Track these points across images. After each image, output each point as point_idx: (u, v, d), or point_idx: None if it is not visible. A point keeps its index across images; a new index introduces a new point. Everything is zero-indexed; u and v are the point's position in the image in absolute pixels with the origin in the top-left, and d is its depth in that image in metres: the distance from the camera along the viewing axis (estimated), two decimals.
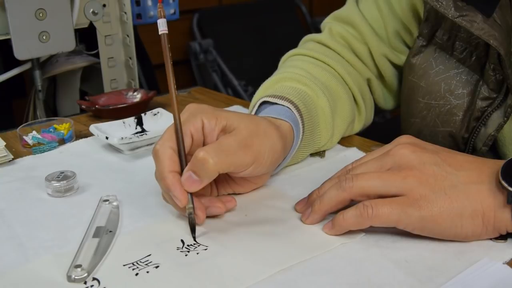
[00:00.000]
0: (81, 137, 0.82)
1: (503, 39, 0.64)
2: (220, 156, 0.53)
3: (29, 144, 0.79)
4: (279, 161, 0.61)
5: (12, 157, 0.74)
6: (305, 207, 0.59)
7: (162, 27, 0.56)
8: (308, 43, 0.85)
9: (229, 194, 0.62)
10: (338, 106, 0.74)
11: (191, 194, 0.53)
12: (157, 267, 0.50)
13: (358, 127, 0.81)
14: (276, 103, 0.67)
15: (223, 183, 0.62)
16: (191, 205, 0.53)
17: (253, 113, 0.69)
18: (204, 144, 0.57)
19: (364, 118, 0.81)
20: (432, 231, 0.51)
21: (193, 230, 0.53)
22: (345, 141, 0.77)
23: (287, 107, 0.66)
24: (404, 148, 0.55)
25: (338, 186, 0.55)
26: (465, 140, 0.72)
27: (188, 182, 0.53)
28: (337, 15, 0.85)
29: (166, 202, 0.58)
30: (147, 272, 0.49)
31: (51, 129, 0.82)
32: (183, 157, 0.55)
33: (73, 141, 0.81)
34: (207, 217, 0.56)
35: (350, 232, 0.54)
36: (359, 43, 0.81)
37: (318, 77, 0.74)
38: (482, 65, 0.69)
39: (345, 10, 0.85)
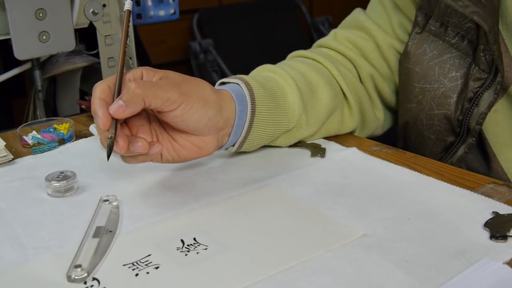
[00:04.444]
0: (81, 137, 0.82)
1: (488, 17, 0.68)
2: (147, 85, 0.56)
3: (29, 144, 0.78)
4: (214, 117, 0.62)
5: (12, 157, 0.74)
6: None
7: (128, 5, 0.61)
8: (312, 48, 0.87)
9: (175, 160, 0.63)
10: (318, 93, 0.74)
11: (117, 122, 0.55)
12: (157, 267, 0.50)
13: (351, 123, 0.79)
14: (228, 82, 0.70)
15: (166, 143, 0.62)
16: (113, 131, 0.55)
17: None
18: None
19: (357, 114, 0.79)
20: None
21: (108, 154, 0.55)
22: (345, 141, 0.77)
23: (236, 83, 0.68)
24: None
25: None
26: (459, 123, 0.74)
27: (114, 107, 0.55)
28: (343, 23, 0.89)
29: (101, 143, 0.58)
30: (147, 273, 0.49)
31: (51, 129, 0.82)
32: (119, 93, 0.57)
33: (73, 141, 0.81)
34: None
35: (350, 232, 0.54)
36: (364, 41, 0.83)
37: (296, 68, 0.76)
38: (474, 48, 0.72)
39: (350, 17, 0.88)
